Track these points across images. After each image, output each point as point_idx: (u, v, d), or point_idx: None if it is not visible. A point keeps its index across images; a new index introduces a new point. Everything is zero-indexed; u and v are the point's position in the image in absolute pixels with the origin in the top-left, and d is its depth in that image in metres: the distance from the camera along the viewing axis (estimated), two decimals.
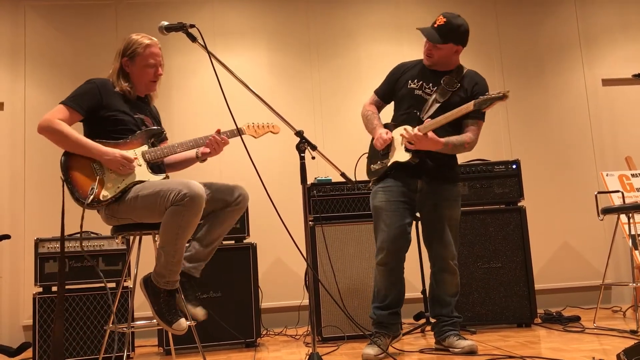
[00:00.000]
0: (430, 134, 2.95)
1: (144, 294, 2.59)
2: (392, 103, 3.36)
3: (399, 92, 3.26)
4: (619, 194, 4.58)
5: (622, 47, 5.72)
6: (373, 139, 3.25)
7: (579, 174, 5.48)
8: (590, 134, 5.55)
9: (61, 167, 2.58)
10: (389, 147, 3.16)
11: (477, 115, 3.08)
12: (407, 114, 3.17)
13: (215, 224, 2.72)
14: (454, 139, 3.03)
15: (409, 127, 3.07)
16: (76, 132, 2.61)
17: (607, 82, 5.66)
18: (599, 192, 4.39)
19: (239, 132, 2.80)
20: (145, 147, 2.72)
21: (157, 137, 2.81)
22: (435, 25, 3.10)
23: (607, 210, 3.93)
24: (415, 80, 3.20)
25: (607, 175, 4.86)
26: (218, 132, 2.79)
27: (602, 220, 4.05)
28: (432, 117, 3.04)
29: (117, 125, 2.70)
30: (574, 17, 5.72)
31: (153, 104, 3.00)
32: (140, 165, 2.67)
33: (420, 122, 3.05)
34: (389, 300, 3.14)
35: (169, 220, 2.47)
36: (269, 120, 4.64)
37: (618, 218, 4.13)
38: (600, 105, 5.61)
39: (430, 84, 3.16)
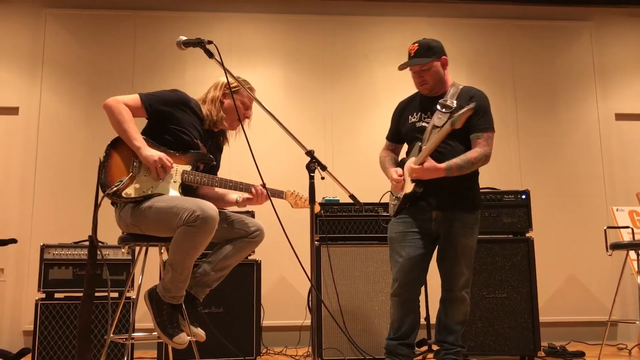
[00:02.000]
0: (427, 163, 2.93)
1: (148, 306, 2.59)
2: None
3: (403, 129, 3.27)
4: (629, 230, 4.54)
5: (637, 82, 5.71)
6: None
7: (588, 208, 5.44)
8: (601, 168, 5.52)
9: (105, 149, 2.64)
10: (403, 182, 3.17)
11: (482, 129, 3.06)
12: (411, 149, 3.18)
13: (228, 252, 2.73)
14: (457, 160, 2.97)
15: (410, 160, 3.08)
16: (132, 122, 2.65)
17: (620, 117, 5.65)
18: (608, 227, 4.35)
19: (279, 194, 2.90)
20: (188, 167, 2.74)
21: (204, 164, 2.83)
22: (412, 54, 3.15)
23: (616, 246, 3.90)
24: (414, 113, 3.21)
25: (617, 211, 4.82)
26: (263, 185, 2.80)
27: (610, 255, 4.01)
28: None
29: (175, 139, 2.74)
30: (589, 50, 5.73)
31: (223, 144, 3.03)
32: (174, 182, 2.69)
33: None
34: (402, 332, 3.10)
35: (180, 239, 2.48)
36: (280, 137, 4.66)
37: (627, 254, 4.09)
38: (613, 139, 5.59)
39: (429, 113, 3.15)
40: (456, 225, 3.06)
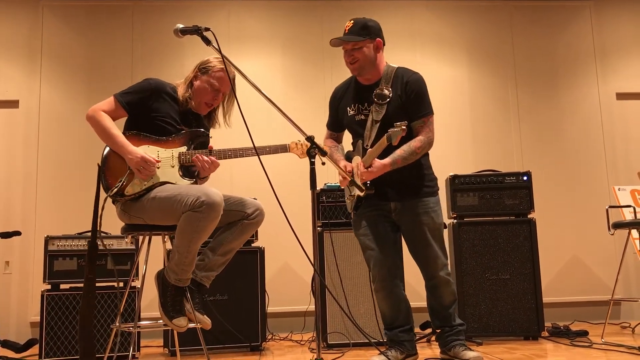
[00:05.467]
0: (374, 164, 2.90)
1: (156, 286, 2.64)
2: None
3: (343, 121, 3.20)
4: (631, 209, 4.55)
5: (638, 61, 5.69)
6: None
7: (590, 188, 5.44)
8: (603, 147, 5.52)
9: (102, 154, 2.67)
10: (353, 177, 3.13)
11: (421, 115, 3.00)
12: (355, 145, 3.13)
13: (230, 235, 2.74)
14: (401, 152, 2.94)
15: (356, 159, 3.04)
16: (115, 127, 2.67)
17: (621, 96, 5.63)
18: (610, 207, 4.36)
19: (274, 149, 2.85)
20: (184, 149, 2.75)
21: (201, 140, 2.83)
22: (347, 30, 3.06)
23: (618, 225, 3.90)
24: (352, 105, 3.14)
25: (618, 190, 4.82)
26: (210, 148, 2.77)
27: (612, 234, 4.02)
28: (375, 142, 2.95)
29: (158, 128, 2.74)
30: (589, 30, 5.69)
31: (210, 126, 3.00)
32: (172, 167, 2.70)
33: (365, 152, 2.99)
34: (397, 322, 3.12)
35: (185, 224, 2.51)
36: (281, 124, 4.65)
37: (629, 233, 4.10)
38: (614, 119, 5.58)
39: (366, 104, 3.08)
40: (418, 212, 3.03)
